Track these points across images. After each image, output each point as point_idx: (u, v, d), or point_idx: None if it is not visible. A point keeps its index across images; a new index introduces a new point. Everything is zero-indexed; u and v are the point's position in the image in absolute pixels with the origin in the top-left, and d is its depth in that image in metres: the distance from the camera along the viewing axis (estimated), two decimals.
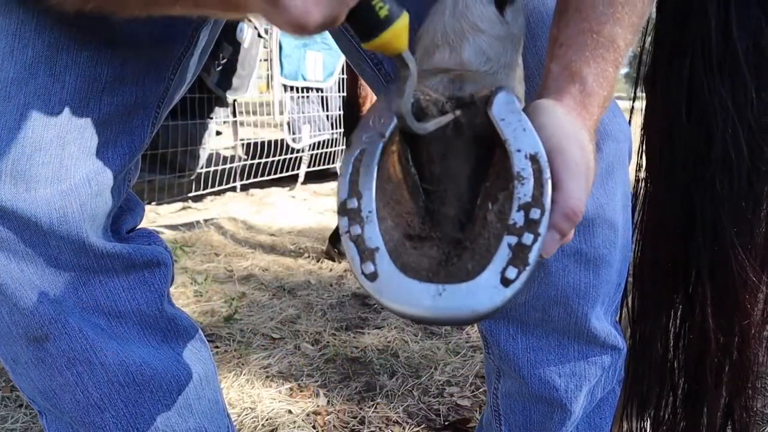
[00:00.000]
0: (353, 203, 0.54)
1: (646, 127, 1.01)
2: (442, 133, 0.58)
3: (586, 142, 0.58)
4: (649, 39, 0.99)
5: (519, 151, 0.54)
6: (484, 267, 0.50)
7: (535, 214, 0.51)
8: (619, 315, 0.96)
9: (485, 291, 0.49)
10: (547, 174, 0.53)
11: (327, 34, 0.95)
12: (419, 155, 0.59)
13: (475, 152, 0.58)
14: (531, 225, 0.51)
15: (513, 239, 0.51)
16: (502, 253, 0.50)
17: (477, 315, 0.50)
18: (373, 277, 0.50)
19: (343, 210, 0.54)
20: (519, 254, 0.50)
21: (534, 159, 0.54)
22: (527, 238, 0.51)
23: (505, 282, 0.49)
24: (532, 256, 0.50)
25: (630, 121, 0.97)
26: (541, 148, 0.54)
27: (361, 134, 0.57)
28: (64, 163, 0.67)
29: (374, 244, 0.52)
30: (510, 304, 0.50)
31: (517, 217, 0.52)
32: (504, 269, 0.50)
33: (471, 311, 0.49)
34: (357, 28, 0.49)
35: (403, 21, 0.50)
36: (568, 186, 0.54)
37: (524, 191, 0.52)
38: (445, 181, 0.58)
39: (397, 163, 0.58)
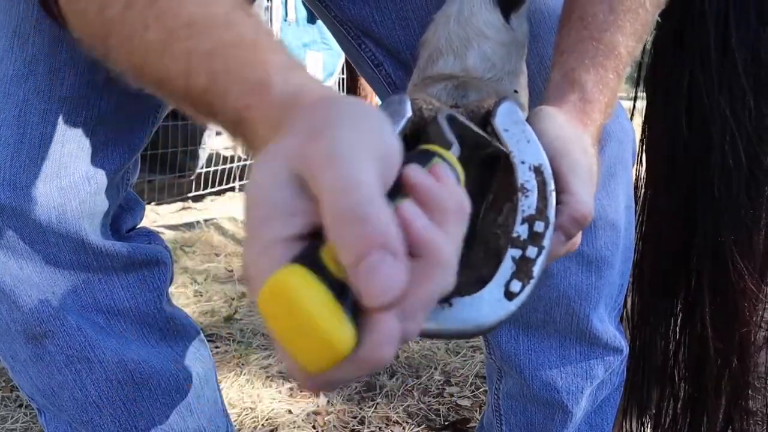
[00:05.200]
0: None
1: (646, 133, 1.01)
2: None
3: (589, 146, 0.58)
4: (650, 39, 0.99)
5: (523, 162, 0.54)
6: (488, 281, 0.50)
7: (539, 227, 0.51)
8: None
9: (489, 305, 0.49)
10: (552, 186, 0.53)
11: (327, 33, 0.94)
12: None
13: (478, 162, 0.58)
14: (535, 238, 0.51)
15: (517, 252, 0.50)
16: (506, 267, 0.50)
17: (481, 329, 0.49)
18: None
19: None
20: (523, 267, 0.50)
21: (538, 171, 0.53)
22: (531, 251, 0.50)
23: (509, 295, 0.49)
24: (536, 270, 0.50)
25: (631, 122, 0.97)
26: (545, 160, 0.54)
27: None
28: (63, 160, 0.67)
29: None
30: (514, 317, 0.50)
31: (520, 230, 0.51)
32: (508, 282, 0.49)
33: (475, 325, 0.49)
34: None
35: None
36: (577, 189, 0.53)
37: (528, 204, 0.52)
38: None
39: None
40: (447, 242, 0.35)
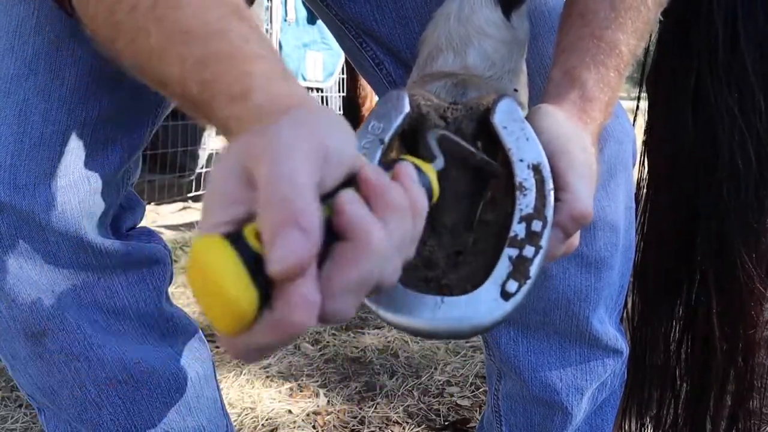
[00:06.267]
0: None
1: (650, 132, 1.01)
2: (443, 140, 0.57)
3: (589, 145, 0.57)
4: (653, 39, 0.99)
5: (521, 160, 0.53)
6: (484, 279, 0.50)
7: (536, 226, 0.51)
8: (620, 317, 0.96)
9: (485, 304, 0.49)
10: (550, 185, 0.52)
11: (327, 33, 0.94)
12: None
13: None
14: (533, 237, 0.51)
15: (514, 252, 0.50)
16: (503, 266, 0.50)
17: (476, 328, 0.49)
18: None
19: None
20: (520, 267, 0.50)
21: (536, 169, 0.53)
22: (528, 250, 0.50)
23: (505, 295, 0.49)
24: (533, 270, 0.50)
25: (634, 122, 0.96)
26: (543, 159, 0.53)
27: (360, 139, 0.55)
28: (63, 159, 0.67)
29: None
30: (510, 317, 0.50)
31: (518, 229, 0.51)
32: (504, 282, 0.49)
33: (470, 325, 0.49)
34: None
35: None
36: (576, 187, 0.53)
37: (526, 202, 0.52)
38: (446, 188, 0.57)
39: None
40: (379, 230, 0.37)
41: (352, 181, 0.39)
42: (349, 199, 0.37)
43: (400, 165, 0.42)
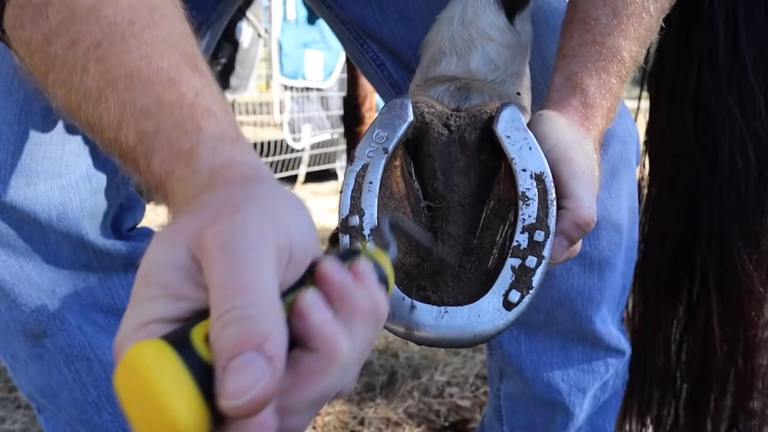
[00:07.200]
0: (355, 220, 0.53)
1: (650, 133, 1.01)
2: (447, 149, 0.57)
3: (591, 151, 0.58)
4: (654, 40, 0.99)
5: (524, 170, 0.54)
6: (487, 289, 0.50)
7: (539, 236, 0.51)
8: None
9: (488, 314, 0.49)
10: (553, 195, 0.53)
11: (328, 32, 0.94)
12: (423, 170, 0.59)
13: (479, 168, 0.58)
14: (535, 247, 0.51)
15: (516, 261, 0.51)
16: (505, 276, 0.50)
17: (479, 338, 0.50)
18: None
19: (344, 227, 0.53)
20: (522, 277, 0.50)
21: (539, 179, 0.53)
22: (531, 261, 0.50)
23: (508, 305, 0.49)
24: (536, 280, 0.50)
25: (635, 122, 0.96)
26: (546, 168, 0.54)
27: (363, 148, 0.56)
28: (64, 158, 0.66)
29: None
30: (513, 326, 0.50)
31: (521, 239, 0.51)
32: (507, 292, 0.50)
33: (473, 334, 0.49)
34: None
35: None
36: (579, 194, 0.53)
37: (529, 212, 0.52)
38: (449, 197, 0.57)
39: (400, 178, 0.57)
40: (346, 340, 0.33)
41: (309, 271, 0.35)
42: (311, 302, 0.33)
43: (358, 264, 0.37)
